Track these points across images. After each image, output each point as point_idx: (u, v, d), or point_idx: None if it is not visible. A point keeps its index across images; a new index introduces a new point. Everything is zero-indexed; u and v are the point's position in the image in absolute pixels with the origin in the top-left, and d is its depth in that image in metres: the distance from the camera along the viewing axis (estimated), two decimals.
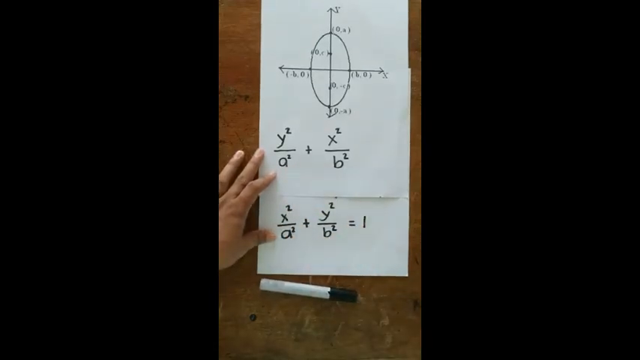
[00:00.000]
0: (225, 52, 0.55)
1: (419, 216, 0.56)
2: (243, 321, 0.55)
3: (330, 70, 0.56)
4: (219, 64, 0.54)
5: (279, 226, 0.56)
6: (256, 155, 0.55)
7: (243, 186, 0.52)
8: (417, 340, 0.56)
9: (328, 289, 0.55)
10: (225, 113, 0.55)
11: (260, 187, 0.53)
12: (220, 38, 0.55)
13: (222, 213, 0.50)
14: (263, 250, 0.55)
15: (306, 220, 0.56)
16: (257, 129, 0.56)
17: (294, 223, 0.56)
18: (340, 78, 0.56)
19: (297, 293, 0.55)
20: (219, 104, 0.55)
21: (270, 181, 0.55)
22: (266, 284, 0.55)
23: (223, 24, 0.55)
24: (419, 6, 0.56)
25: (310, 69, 0.56)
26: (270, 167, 0.56)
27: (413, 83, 0.56)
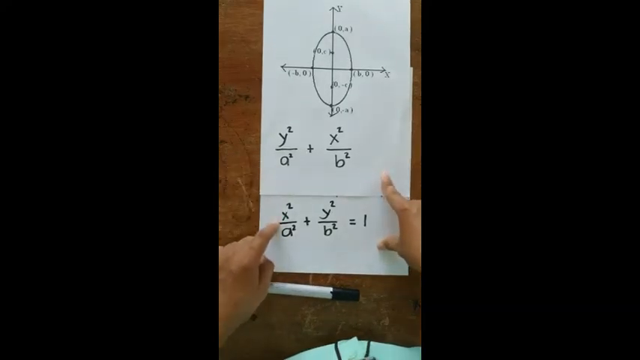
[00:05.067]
0: (225, 53, 0.55)
1: None
2: None
3: (332, 69, 0.56)
4: (220, 64, 0.54)
5: (280, 223, 0.56)
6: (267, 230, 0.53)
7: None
8: (417, 340, 0.56)
9: (331, 288, 0.55)
10: (225, 113, 0.55)
11: (269, 233, 0.53)
12: (221, 38, 0.55)
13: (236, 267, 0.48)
14: None
15: (306, 218, 0.56)
16: (258, 129, 0.56)
17: (295, 221, 0.56)
18: (342, 77, 0.56)
19: (300, 294, 0.55)
20: (220, 104, 0.55)
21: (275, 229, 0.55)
22: (269, 287, 0.54)
23: (224, 24, 0.55)
24: (420, 6, 0.56)
25: (312, 68, 0.56)
26: (272, 166, 0.56)
27: (413, 83, 0.56)
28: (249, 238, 0.52)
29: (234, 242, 0.52)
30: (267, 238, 0.51)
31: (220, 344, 0.44)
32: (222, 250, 0.50)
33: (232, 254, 0.49)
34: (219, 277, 0.47)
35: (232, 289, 0.47)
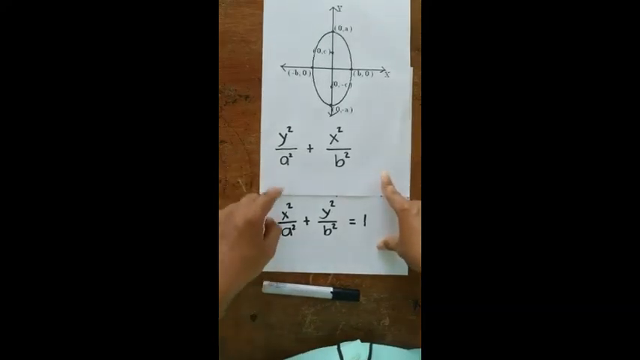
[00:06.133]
0: (225, 53, 0.55)
1: None
2: (243, 321, 0.55)
3: (332, 68, 0.56)
4: (220, 64, 0.54)
5: (279, 223, 0.56)
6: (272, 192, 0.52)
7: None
8: (417, 340, 0.56)
9: (331, 288, 0.55)
10: (225, 113, 0.55)
11: (273, 193, 0.51)
12: (221, 38, 0.55)
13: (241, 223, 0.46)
14: None
15: (306, 217, 0.56)
16: (257, 129, 0.56)
17: (295, 221, 0.56)
18: (342, 77, 0.56)
19: (300, 294, 0.55)
20: (220, 104, 0.55)
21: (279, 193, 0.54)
22: (269, 287, 0.54)
23: (224, 24, 0.55)
24: (420, 6, 0.56)
25: (312, 67, 0.56)
26: (272, 166, 0.56)
27: (413, 83, 0.56)
28: (252, 195, 0.51)
29: (235, 203, 0.50)
30: (271, 196, 0.50)
31: (225, 307, 0.44)
32: (222, 210, 0.48)
33: (235, 209, 0.47)
34: (222, 233, 0.46)
35: (237, 243, 0.45)
